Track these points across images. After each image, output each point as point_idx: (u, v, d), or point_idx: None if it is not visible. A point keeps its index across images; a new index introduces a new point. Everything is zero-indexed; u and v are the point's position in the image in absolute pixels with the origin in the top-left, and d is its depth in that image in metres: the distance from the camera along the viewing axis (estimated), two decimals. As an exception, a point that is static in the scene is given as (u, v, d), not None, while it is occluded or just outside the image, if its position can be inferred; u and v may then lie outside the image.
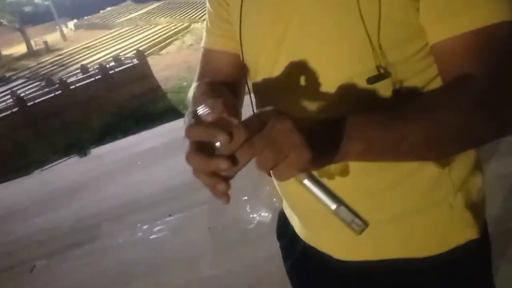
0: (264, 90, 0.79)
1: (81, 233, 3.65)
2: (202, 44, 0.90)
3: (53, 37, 32.23)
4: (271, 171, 0.52)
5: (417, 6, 0.62)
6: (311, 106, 0.70)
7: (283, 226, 0.99)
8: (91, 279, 2.75)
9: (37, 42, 30.68)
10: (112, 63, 17.92)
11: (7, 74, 24.94)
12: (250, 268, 2.34)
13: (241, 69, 0.85)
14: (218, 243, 2.70)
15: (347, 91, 0.67)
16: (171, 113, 15.51)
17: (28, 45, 30.19)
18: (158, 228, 3.18)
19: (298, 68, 0.70)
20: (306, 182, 0.53)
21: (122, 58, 18.37)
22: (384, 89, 0.66)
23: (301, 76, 0.71)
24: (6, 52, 30.28)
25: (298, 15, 0.68)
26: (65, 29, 34.31)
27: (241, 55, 0.80)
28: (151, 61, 21.16)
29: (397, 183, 0.74)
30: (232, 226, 2.82)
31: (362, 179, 0.73)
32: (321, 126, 0.56)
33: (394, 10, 0.62)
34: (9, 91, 18.10)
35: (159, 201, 3.79)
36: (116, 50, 24.10)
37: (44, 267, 3.08)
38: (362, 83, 0.66)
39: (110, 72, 15.69)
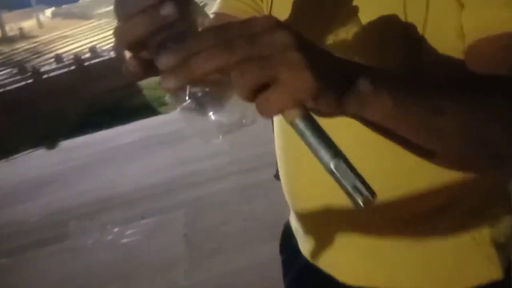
0: None
1: (48, 230, 3.49)
2: (214, 9, 0.81)
3: (29, 24, 31.42)
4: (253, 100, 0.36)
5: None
6: None
7: (287, 239, 0.92)
8: (57, 282, 2.60)
9: (12, 28, 29.84)
10: (88, 55, 17.56)
11: (-21, 59, 24.16)
12: (228, 278, 2.26)
13: None
14: (194, 251, 2.60)
15: None
16: (147, 109, 15.30)
17: (3, 31, 29.35)
18: (130, 231, 3.05)
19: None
20: (298, 122, 0.37)
21: (99, 51, 18.03)
22: None
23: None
24: (-22, 36, 29.29)
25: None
26: (42, 17, 33.51)
27: None
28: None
29: (419, 216, 0.68)
30: (209, 233, 2.72)
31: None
32: (340, 59, 0.41)
33: (440, 15, 0.58)
34: (-22, 77, 17.51)
35: (131, 200, 3.66)
36: (93, 41, 23.63)
37: (7, 266, 2.91)
38: None
39: (86, 63, 15.33)
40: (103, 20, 29.96)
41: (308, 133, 0.37)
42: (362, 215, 0.66)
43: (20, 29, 28.92)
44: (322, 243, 0.79)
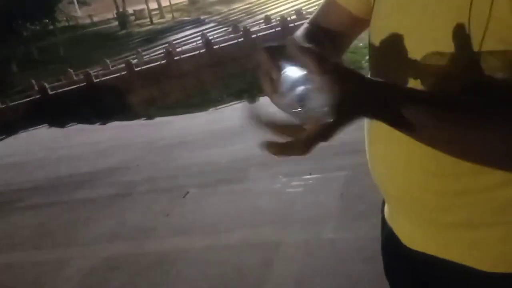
0: (377, 61, 0.83)
1: (231, 172, 4.06)
2: None
3: (246, -15, 34.00)
4: None
5: None
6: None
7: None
8: (225, 216, 3.09)
9: (231, -11, 32.69)
10: (294, 17, 18.33)
11: (202, 17, 27.37)
12: (370, 241, 2.38)
13: (353, 28, 0.92)
14: (346, 211, 2.78)
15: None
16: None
17: (224, -8, 32.43)
18: (295, 183, 3.37)
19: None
20: None
21: (304, 13, 18.64)
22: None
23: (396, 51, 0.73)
24: (205, -4, 32.96)
25: None
26: (258, -21, 35.89)
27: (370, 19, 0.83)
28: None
29: (472, 192, 0.73)
30: (365, 197, 2.84)
31: (436, 178, 0.74)
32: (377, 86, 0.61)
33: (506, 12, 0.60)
34: (200, 33, 20.02)
35: (307, 157, 3.96)
36: (300, 3, 24.49)
37: (195, 195, 3.55)
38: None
39: (290, 25, 16.09)
40: (312, -17, 30.63)
41: None
42: (423, 190, 0.76)
43: (239, -10, 31.63)
44: (395, 210, 0.90)
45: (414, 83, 0.71)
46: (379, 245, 1.01)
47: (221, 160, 4.57)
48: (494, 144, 0.58)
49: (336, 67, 0.56)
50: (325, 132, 0.54)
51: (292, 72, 0.59)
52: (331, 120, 0.54)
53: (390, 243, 0.94)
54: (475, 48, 0.63)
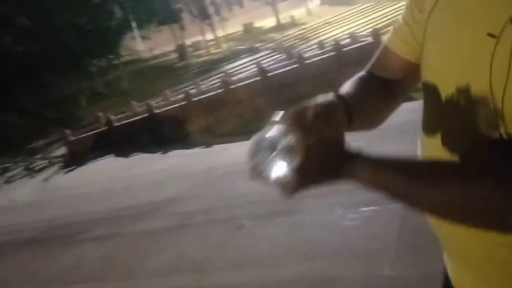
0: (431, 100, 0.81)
1: (287, 202, 4.03)
2: (385, 39, 0.95)
3: (299, 12, 34.44)
4: None
5: None
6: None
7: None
8: (285, 248, 3.07)
9: (285, 16, 33.25)
10: (347, 40, 18.21)
11: (256, 45, 27.91)
12: (429, 278, 2.27)
13: (409, 76, 0.91)
14: (404, 245, 2.68)
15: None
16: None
17: (277, 19, 33.04)
18: (352, 215, 3.30)
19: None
20: None
21: (357, 36, 18.49)
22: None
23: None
24: (258, 24, 33.75)
25: None
26: (311, 5, 36.26)
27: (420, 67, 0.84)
28: (389, 38, 20.80)
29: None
30: (423, 230, 2.73)
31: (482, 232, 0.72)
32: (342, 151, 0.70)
33: None
34: (255, 61, 20.39)
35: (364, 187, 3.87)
36: (353, 27, 24.40)
37: (250, 227, 3.56)
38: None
39: (344, 49, 15.99)
40: (366, 5, 30.48)
41: None
42: (469, 240, 0.76)
43: (291, 17, 32.06)
44: (448, 254, 0.90)
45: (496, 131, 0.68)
46: (439, 281, 0.99)
47: (274, 190, 4.56)
48: (465, 202, 0.61)
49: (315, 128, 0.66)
50: (291, 191, 0.66)
51: (268, 133, 0.67)
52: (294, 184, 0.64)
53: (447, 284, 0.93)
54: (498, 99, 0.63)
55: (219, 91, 15.59)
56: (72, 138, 13.74)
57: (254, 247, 3.20)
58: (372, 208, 3.34)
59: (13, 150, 13.91)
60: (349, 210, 3.40)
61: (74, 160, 12.82)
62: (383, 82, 0.93)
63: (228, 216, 3.98)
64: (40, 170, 11.49)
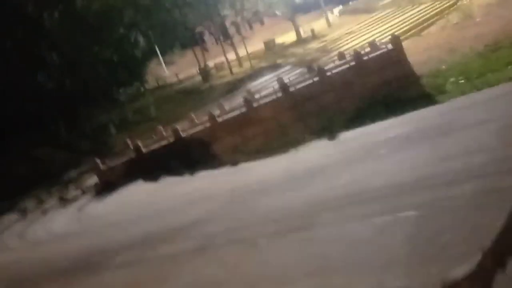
0: None
1: (303, 218, 4.05)
2: None
3: (319, 24, 34.51)
4: None
5: None
6: None
7: None
8: (299, 264, 3.10)
9: (305, 30, 33.39)
10: (367, 49, 18.13)
11: (278, 61, 28.10)
12: None
13: None
14: (414, 256, 2.66)
15: None
16: (424, 99, 14.78)
17: (297, 33, 33.21)
18: (364, 227, 3.30)
19: None
20: None
21: (378, 44, 18.39)
22: None
23: None
24: (279, 40, 34.01)
25: None
26: (330, 16, 36.28)
27: None
28: (410, 43, 20.57)
29: None
30: (435, 239, 2.72)
31: None
32: None
33: None
34: (277, 77, 20.52)
35: (376, 197, 3.85)
36: (374, 35, 24.26)
37: (265, 245, 3.61)
38: None
39: (364, 58, 15.95)
40: (386, 12, 30.30)
41: None
42: None
43: (312, 30, 32.16)
44: None
45: None
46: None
47: (295, 205, 4.60)
48: None
49: None
50: None
51: None
52: None
53: None
54: None
55: (242, 110, 15.77)
56: (103, 168, 14.13)
57: (268, 265, 3.24)
58: (384, 218, 3.34)
59: (48, 182, 14.47)
60: (362, 221, 3.40)
61: (106, 188, 13.18)
62: None
63: (245, 236, 4.03)
64: (74, 199, 11.88)
